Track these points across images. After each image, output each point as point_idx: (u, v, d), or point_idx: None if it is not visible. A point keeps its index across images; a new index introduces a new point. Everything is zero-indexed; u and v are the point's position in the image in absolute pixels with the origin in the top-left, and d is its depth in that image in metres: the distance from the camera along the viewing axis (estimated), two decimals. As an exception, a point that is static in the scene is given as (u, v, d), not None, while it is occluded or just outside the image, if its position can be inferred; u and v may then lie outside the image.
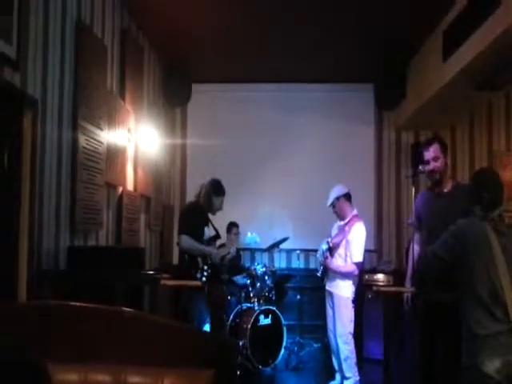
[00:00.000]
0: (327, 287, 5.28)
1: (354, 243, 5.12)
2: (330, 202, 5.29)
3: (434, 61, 5.82)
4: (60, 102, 3.86)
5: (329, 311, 5.31)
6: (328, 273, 5.24)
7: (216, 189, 4.92)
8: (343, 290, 5.12)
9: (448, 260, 2.98)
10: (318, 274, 5.32)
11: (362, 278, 5.79)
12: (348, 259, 5.13)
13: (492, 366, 2.69)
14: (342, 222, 5.26)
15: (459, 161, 7.49)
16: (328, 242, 5.20)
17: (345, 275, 5.12)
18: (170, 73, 7.28)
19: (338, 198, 5.26)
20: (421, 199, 4.14)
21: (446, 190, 3.88)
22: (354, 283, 5.17)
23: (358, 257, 5.10)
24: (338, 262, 5.17)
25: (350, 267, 5.10)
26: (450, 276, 3.03)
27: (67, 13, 3.97)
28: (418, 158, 7.11)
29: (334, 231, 5.35)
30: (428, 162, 3.88)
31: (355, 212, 5.27)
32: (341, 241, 5.17)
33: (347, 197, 5.28)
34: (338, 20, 5.73)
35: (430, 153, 3.86)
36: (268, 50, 6.63)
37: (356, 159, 7.68)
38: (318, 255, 5.35)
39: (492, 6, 4.27)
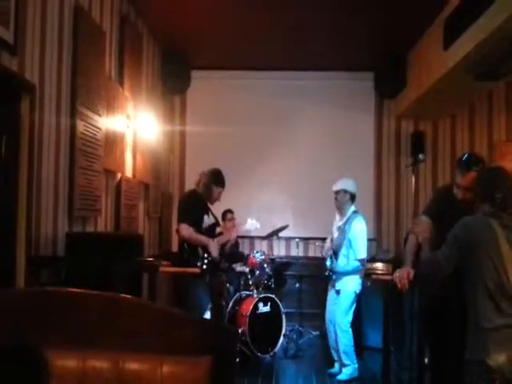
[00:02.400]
0: (335, 286, 5.28)
1: (356, 241, 5.14)
2: (337, 188, 5.29)
3: (435, 49, 5.78)
4: (58, 88, 3.83)
5: (329, 302, 5.33)
6: (335, 274, 5.25)
7: (217, 179, 4.90)
8: (350, 286, 5.16)
9: (455, 257, 2.93)
10: (326, 274, 5.32)
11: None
12: (351, 257, 5.14)
13: (496, 359, 2.67)
14: (341, 222, 5.26)
15: (459, 150, 7.46)
16: (331, 257, 5.20)
17: (353, 273, 5.15)
18: (169, 59, 7.24)
19: (345, 191, 5.25)
20: (447, 195, 3.79)
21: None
22: (361, 278, 5.20)
23: (362, 253, 5.14)
24: (343, 261, 5.18)
25: (355, 265, 5.13)
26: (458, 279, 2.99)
27: (65, -3, 3.93)
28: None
29: (335, 232, 5.34)
30: (459, 187, 3.59)
31: (354, 208, 5.26)
32: (342, 241, 5.17)
33: (353, 196, 5.27)
34: (339, 7, 5.68)
35: (465, 180, 3.52)
36: (268, 37, 6.58)
37: (356, 147, 7.66)
38: (325, 254, 5.36)
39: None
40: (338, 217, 5.39)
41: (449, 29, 5.38)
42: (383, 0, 5.48)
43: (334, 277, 5.26)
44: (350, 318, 5.18)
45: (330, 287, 5.38)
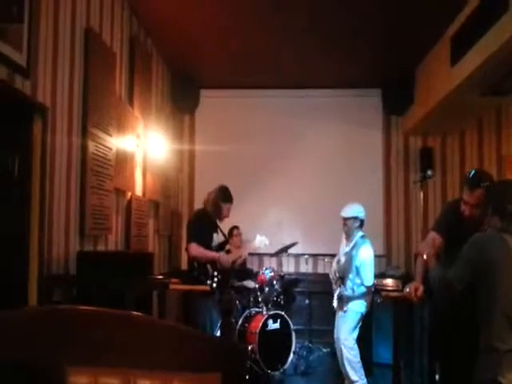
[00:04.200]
0: (343, 308, 5.27)
1: (364, 268, 5.09)
2: (346, 215, 5.23)
3: (442, 66, 5.82)
4: (70, 109, 3.90)
5: (337, 320, 5.33)
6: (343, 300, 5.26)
7: (224, 195, 4.93)
8: (356, 306, 5.15)
9: (468, 277, 2.88)
10: (334, 305, 5.31)
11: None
12: (358, 282, 5.12)
13: (510, 378, 2.62)
14: (348, 248, 5.24)
15: (467, 166, 7.46)
16: (339, 285, 5.23)
17: (360, 297, 5.16)
18: (178, 79, 7.33)
19: (355, 218, 5.22)
20: (456, 210, 3.67)
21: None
22: (368, 301, 5.19)
23: (369, 281, 5.09)
24: (350, 288, 5.18)
25: (362, 291, 5.13)
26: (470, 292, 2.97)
27: (76, 20, 4.02)
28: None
29: (342, 256, 5.33)
30: (466, 203, 3.50)
31: (361, 233, 5.25)
32: (349, 268, 5.16)
33: (362, 222, 5.27)
34: (346, 26, 5.75)
35: (473, 198, 3.43)
36: (276, 55, 6.65)
37: (364, 164, 7.67)
38: (334, 291, 5.35)
39: (500, 11, 4.27)
40: (344, 241, 5.36)
41: (456, 45, 5.42)
42: (390, 17, 5.53)
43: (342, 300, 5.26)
44: (355, 335, 5.17)
45: (337, 309, 5.36)
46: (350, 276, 5.16)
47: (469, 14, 5.03)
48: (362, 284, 5.10)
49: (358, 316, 5.16)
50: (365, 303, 5.18)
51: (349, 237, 5.28)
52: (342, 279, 5.20)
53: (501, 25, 4.31)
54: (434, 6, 5.18)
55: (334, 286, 5.29)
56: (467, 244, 2.93)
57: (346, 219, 5.23)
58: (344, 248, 5.32)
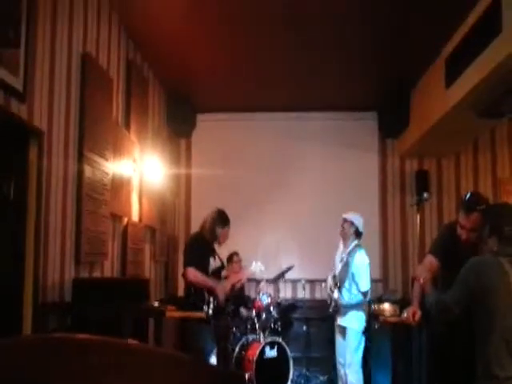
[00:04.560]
0: (339, 322, 5.25)
1: (359, 274, 5.14)
2: (345, 217, 5.31)
3: (437, 88, 5.85)
4: (66, 133, 3.87)
5: (338, 344, 5.27)
6: (340, 308, 5.21)
7: (220, 219, 4.88)
8: (355, 324, 5.12)
9: (465, 301, 2.87)
10: (330, 310, 5.29)
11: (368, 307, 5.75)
12: (354, 291, 5.12)
13: None
14: (344, 254, 5.25)
15: (463, 188, 7.46)
16: (335, 277, 5.19)
17: (356, 307, 5.11)
18: (175, 103, 7.34)
19: (351, 224, 5.27)
20: (453, 233, 3.65)
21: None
22: (365, 313, 5.16)
23: (365, 286, 5.12)
24: (346, 295, 5.16)
25: (359, 298, 5.10)
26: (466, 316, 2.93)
27: (73, 45, 4.01)
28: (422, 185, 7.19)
29: (338, 265, 5.34)
30: (462, 226, 3.48)
31: (356, 242, 5.26)
32: (345, 274, 5.16)
33: (357, 233, 5.29)
34: (341, 49, 5.79)
35: (469, 221, 3.41)
36: (271, 79, 6.69)
37: (360, 187, 7.66)
38: (327, 290, 5.34)
39: (493, 33, 4.30)
40: (341, 247, 5.39)
41: (450, 67, 5.46)
42: (384, 40, 5.57)
43: (339, 312, 5.23)
44: (359, 357, 5.12)
45: (335, 328, 5.32)
46: (346, 284, 5.18)
47: (463, 36, 5.07)
48: (359, 291, 5.09)
49: (359, 335, 5.12)
50: (363, 316, 5.16)
51: (344, 242, 5.31)
52: (339, 287, 5.19)
53: (494, 46, 4.34)
54: (428, 27, 5.22)
55: (335, 295, 5.25)
56: (464, 268, 2.92)
57: (343, 220, 5.31)
58: (340, 254, 5.32)
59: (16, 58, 3.13)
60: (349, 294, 5.17)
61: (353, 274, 5.14)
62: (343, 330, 5.21)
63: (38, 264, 3.36)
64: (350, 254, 5.22)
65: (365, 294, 5.14)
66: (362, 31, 5.39)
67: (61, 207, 3.77)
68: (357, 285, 5.11)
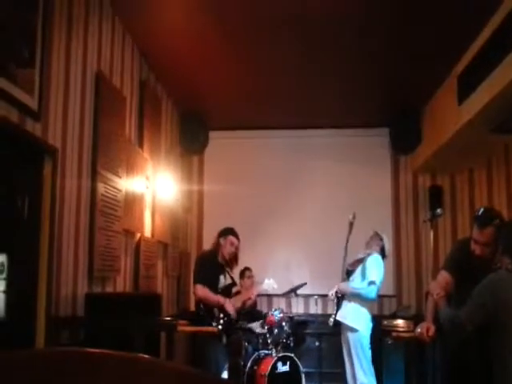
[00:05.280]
0: (338, 318, 5.25)
1: (370, 266, 5.17)
2: (378, 232, 5.41)
3: (450, 104, 5.86)
4: (80, 151, 3.95)
5: (346, 361, 5.25)
6: (341, 306, 5.23)
7: (224, 230, 4.97)
8: (359, 323, 5.08)
9: (479, 318, 2.87)
10: (330, 324, 5.30)
11: (380, 322, 5.73)
12: (363, 283, 5.13)
13: None
14: (360, 255, 5.32)
15: (477, 204, 7.42)
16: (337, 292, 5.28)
17: (361, 299, 5.14)
18: (187, 121, 7.42)
19: (381, 240, 5.37)
20: (466, 248, 3.59)
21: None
22: (370, 312, 5.16)
23: (373, 276, 5.12)
24: (355, 283, 5.24)
25: (366, 287, 5.13)
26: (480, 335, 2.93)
27: (87, 64, 4.11)
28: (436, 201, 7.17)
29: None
30: (475, 241, 3.42)
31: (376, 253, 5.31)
32: (357, 266, 5.22)
33: (382, 248, 5.36)
34: (353, 66, 5.84)
35: (483, 236, 3.36)
36: (283, 97, 6.75)
37: (373, 203, 7.64)
38: (329, 295, 5.36)
39: (506, 49, 4.32)
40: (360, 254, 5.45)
41: (462, 84, 5.47)
42: (397, 56, 5.60)
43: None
44: (370, 367, 5.09)
45: (342, 342, 5.31)
46: (357, 274, 5.26)
47: (475, 53, 5.09)
48: (367, 281, 5.12)
49: (366, 340, 5.08)
50: (367, 315, 5.16)
51: (366, 247, 5.37)
52: (348, 273, 5.28)
53: (507, 62, 4.35)
54: (440, 45, 5.25)
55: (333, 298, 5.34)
56: (480, 285, 2.91)
57: (375, 234, 5.42)
58: (357, 256, 5.41)
59: (31, 77, 3.22)
60: (357, 282, 5.23)
61: (364, 269, 5.18)
62: (344, 331, 5.17)
63: (52, 279, 3.41)
64: (366, 256, 5.28)
65: (372, 283, 5.12)
66: (374, 47, 5.43)
67: (74, 223, 3.83)
68: (366, 276, 5.12)
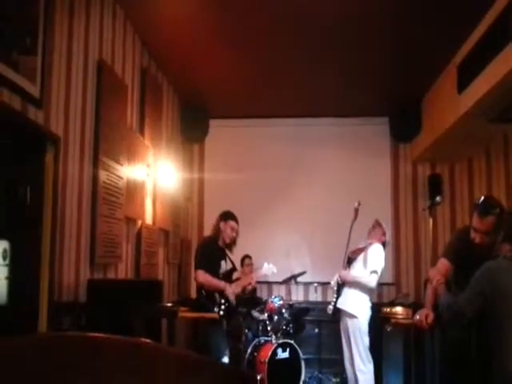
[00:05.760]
0: (339, 305, 5.30)
1: (371, 255, 5.24)
2: (382, 225, 5.47)
3: (449, 93, 5.87)
4: (82, 139, 3.97)
5: (345, 348, 5.31)
6: (341, 294, 5.28)
7: (223, 214, 5.00)
8: (358, 310, 5.13)
9: (478, 304, 2.89)
10: (329, 312, 5.35)
11: (379, 310, 5.78)
12: (365, 271, 5.19)
13: None
14: (361, 245, 5.38)
15: (476, 193, 7.45)
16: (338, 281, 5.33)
17: (361, 287, 5.20)
18: (188, 109, 7.44)
19: (384, 234, 5.42)
20: (466, 237, 3.64)
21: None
22: (370, 300, 5.22)
23: (374, 266, 5.18)
24: (355, 271, 5.26)
25: (367, 276, 5.19)
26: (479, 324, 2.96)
27: (89, 53, 4.12)
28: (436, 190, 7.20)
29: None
30: (475, 230, 3.46)
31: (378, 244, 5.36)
32: (358, 254, 5.27)
33: (384, 239, 5.43)
34: (353, 55, 5.84)
35: (483, 225, 3.41)
36: (284, 85, 6.76)
37: (372, 192, 7.67)
38: (331, 283, 5.42)
39: (505, 39, 4.33)
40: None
41: (462, 73, 5.48)
42: (397, 45, 5.61)
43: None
44: (368, 353, 5.16)
45: (341, 329, 5.36)
46: (358, 263, 5.32)
47: (475, 42, 5.09)
48: (369, 270, 5.19)
49: (364, 331, 5.14)
50: (369, 304, 5.20)
51: (368, 240, 5.42)
52: (349, 261, 5.37)
53: (507, 52, 4.36)
54: (440, 34, 5.25)
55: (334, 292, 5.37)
56: (478, 272, 2.94)
57: (378, 224, 5.47)
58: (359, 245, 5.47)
59: (33, 64, 3.23)
60: (358, 272, 5.27)
61: (365, 256, 5.25)
62: (344, 317, 5.22)
63: (54, 265, 3.45)
64: (367, 245, 5.34)
65: (374, 272, 5.18)
66: (373, 38, 5.43)
67: (76, 210, 3.87)
68: (367, 266, 5.18)
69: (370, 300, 5.28)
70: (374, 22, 5.12)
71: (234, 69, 6.24)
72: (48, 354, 2.12)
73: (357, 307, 5.19)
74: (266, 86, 6.77)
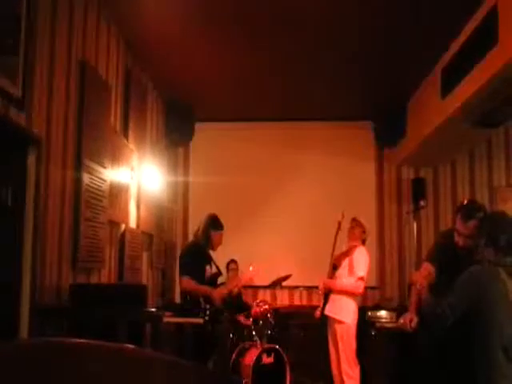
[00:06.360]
0: (327, 312, 5.27)
1: (357, 260, 5.22)
2: (361, 221, 5.42)
3: (433, 98, 5.90)
4: (64, 141, 3.91)
5: (332, 353, 5.30)
6: (329, 300, 5.28)
7: (214, 224, 4.90)
8: (347, 316, 5.13)
9: (461, 308, 2.88)
10: (316, 316, 5.34)
11: (365, 314, 5.78)
12: (351, 277, 5.17)
13: None
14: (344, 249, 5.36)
15: (459, 196, 7.50)
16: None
17: (349, 294, 5.17)
18: (173, 112, 7.39)
19: (364, 232, 5.39)
20: (449, 240, 3.64)
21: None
22: (357, 305, 5.20)
23: (361, 271, 5.17)
24: (341, 279, 5.25)
25: (354, 283, 5.16)
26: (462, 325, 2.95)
27: (72, 53, 4.07)
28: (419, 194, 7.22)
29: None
30: (459, 233, 3.45)
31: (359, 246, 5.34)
32: (343, 259, 5.26)
33: (363, 240, 5.40)
34: (339, 59, 5.85)
35: (467, 228, 3.39)
36: (269, 88, 6.75)
37: (357, 195, 7.69)
38: (319, 288, 5.40)
39: (489, 44, 4.37)
40: (344, 248, 5.47)
41: (446, 78, 5.52)
42: (382, 50, 5.63)
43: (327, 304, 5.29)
44: (355, 361, 5.15)
45: (328, 332, 5.35)
46: (343, 269, 5.27)
47: (459, 47, 5.13)
48: (355, 276, 5.15)
49: (352, 331, 5.12)
50: (353, 308, 5.19)
51: (350, 242, 5.39)
52: (335, 268, 5.31)
53: (491, 57, 4.40)
54: (424, 38, 5.28)
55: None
56: (462, 277, 2.93)
57: (356, 223, 5.41)
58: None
59: (15, 65, 3.18)
60: (343, 279, 5.24)
61: (350, 261, 5.22)
62: (332, 324, 5.21)
63: (36, 269, 3.39)
64: (352, 248, 5.31)
65: (360, 279, 5.17)
66: (358, 42, 5.45)
67: (59, 214, 3.81)
68: (354, 271, 5.16)
69: (356, 303, 5.28)
70: (359, 26, 5.13)
71: (219, 72, 6.23)
72: (31, 361, 2.08)
73: (344, 313, 5.18)
74: (251, 89, 6.76)
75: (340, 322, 5.16)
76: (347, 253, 5.31)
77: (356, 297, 5.28)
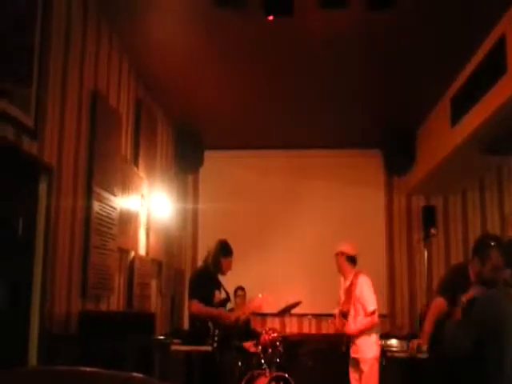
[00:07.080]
0: (351, 354, 5.20)
1: (363, 294, 5.11)
2: (335, 251, 5.33)
3: (443, 126, 5.92)
4: (75, 169, 3.96)
5: (353, 380, 5.22)
6: (350, 340, 5.18)
7: (224, 250, 4.91)
8: (370, 352, 5.06)
9: (477, 337, 2.88)
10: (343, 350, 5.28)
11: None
12: (361, 315, 5.10)
13: None
14: (347, 284, 5.28)
15: (470, 224, 7.46)
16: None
17: (367, 332, 5.10)
18: (183, 140, 7.46)
19: (342, 253, 5.27)
20: (462, 276, 3.73)
21: None
22: (377, 334, 5.14)
23: (371, 305, 5.08)
24: (352, 323, 5.16)
25: (368, 320, 5.07)
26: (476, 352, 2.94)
27: (84, 83, 4.14)
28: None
29: (342, 297, 5.34)
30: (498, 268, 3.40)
31: (355, 271, 5.27)
32: (348, 301, 5.18)
33: (350, 258, 5.28)
34: (347, 88, 5.90)
35: (493, 260, 3.39)
36: (278, 117, 6.81)
37: (367, 223, 7.68)
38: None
39: (498, 73, 4.40)
40: (342, 280, 5.39)
41: (456, 106, 5.54)
42: (391, 78, 5.67)
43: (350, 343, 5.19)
44: None
45: (349, 361, 5.27)
46: (351, 311, 5.15)
47: (468, 75, 5.16)
48: (366, 311, 5.05)
49: (376, 363, 5.06)
50: (375, 341, 5.10)
51: (345, 275, 5.30)
52: (345, 316, 5.17)
53: (500, 86, 4.43)
54: (434, 67, 5.32)
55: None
56: (477, 303, 2.95)
57: (335, 256, 5.31)
58: (343, 287, 5.34)
59: (28, 95, 3.24)
60: (355, 321, 5.16)
61: (356, 298, 5.12)
62: (356, 362, 5.15)
63: (45, 297, 3.41)
64: (353, 281, 5.20)
65: (373, 313, 5.10)
66: (367, 70, 5.50)
67: (69, 241, 3.83)
68: (363, 307, 5.08)
69: (376, 333, 5.20)
70: (368, 55, 5.18)
71: (229, 101, 6.30)
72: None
73: (370, 349, 5.11)
74: (260, 117, 6.82)
75: (364, 361, 5.10)
76: (350, 291, 5.23)
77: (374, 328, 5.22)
